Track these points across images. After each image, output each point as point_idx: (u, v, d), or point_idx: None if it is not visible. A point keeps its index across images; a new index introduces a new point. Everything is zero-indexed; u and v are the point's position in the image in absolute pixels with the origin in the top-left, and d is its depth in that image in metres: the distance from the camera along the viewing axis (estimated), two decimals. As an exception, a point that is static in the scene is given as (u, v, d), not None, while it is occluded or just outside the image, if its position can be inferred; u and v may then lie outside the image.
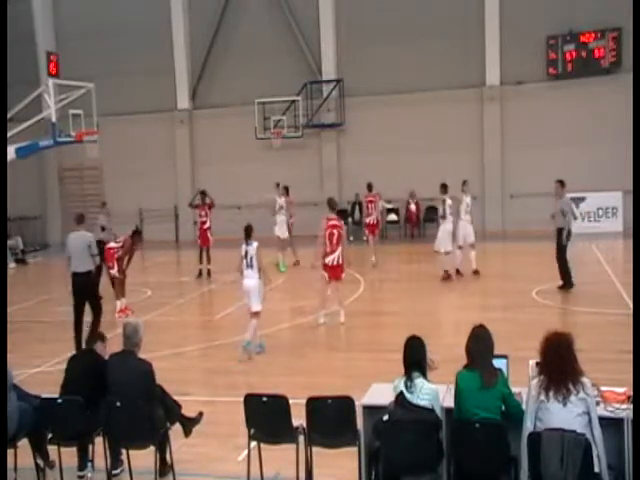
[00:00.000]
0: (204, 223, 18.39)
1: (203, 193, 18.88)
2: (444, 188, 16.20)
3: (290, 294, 16.45)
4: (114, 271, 14.06)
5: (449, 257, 16.27)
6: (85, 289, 11.29)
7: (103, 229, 16.63)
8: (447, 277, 16.12)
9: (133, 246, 14.66)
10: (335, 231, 12.32)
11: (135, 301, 15.35)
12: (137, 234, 14.87)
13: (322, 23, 25.59)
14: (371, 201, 19.34)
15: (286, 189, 19.49)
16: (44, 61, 19.99)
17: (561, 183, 14.52)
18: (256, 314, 10.77)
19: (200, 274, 18.32)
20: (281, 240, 18.82)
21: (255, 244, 10.72)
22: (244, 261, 10.70)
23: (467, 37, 24.20)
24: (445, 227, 16.28)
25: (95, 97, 17.78)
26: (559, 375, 5.11)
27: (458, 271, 16.32)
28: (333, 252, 12.23)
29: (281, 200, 19.18)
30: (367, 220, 19.52)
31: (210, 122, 26.83)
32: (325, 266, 12.29)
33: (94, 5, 27.58)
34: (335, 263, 12.35)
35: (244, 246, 10.73)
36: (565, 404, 5.05)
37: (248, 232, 10.82)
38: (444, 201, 16.16)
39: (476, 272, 16.36)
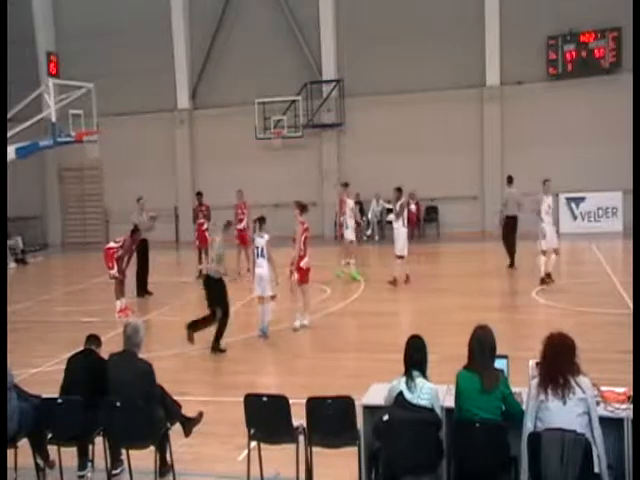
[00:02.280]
0: (202, 224, 18.38)
1: (199, 194, 18.88)
2: (399, 192, 15.55)
3: (290, 294, 16.40)
4: (114, 271, 14.03)
5: (404, 261, 15.68)
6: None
7: (136, 227, 15.71)
8: (394, 282, 15.42)
9: (133, 245, 14.66)
10: (308, 234, 12.34)
11: (135, 301, 15.34)
12: (136, 233, 14.86)
13: (322, 23, 25.58)
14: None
15: (240, 191, 18.87)
16: (44, 61, 20.00)
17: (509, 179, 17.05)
18: (267, 298, 11.60)
19: (200, 275, 18.27)
20: (350, 244, 17.33)
21: (266, 236, 11.39)
22: (255, 251, 11.42)
23: (467, 37, 24.19)
24: (403, 230, 15.64)
25: (95, 97, 17.73)
26: (559, 375, 5.12)
27: (549, 276, 14.75)
28: (306, 255, 12.21)
29: (351, 202, 17.58)
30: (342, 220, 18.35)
31: (210, 122, 26.83)
32: (300, 269, 12.18)
33: (94, 5, 27.59)
34: (308, 266, 12.34)
35: (255, 237, 11.51)
36: (565, 404, 5.05)
37: (261, 222, 11.52)
38: (398, 204, 15.50)
39: (549, 276, 14.80)
